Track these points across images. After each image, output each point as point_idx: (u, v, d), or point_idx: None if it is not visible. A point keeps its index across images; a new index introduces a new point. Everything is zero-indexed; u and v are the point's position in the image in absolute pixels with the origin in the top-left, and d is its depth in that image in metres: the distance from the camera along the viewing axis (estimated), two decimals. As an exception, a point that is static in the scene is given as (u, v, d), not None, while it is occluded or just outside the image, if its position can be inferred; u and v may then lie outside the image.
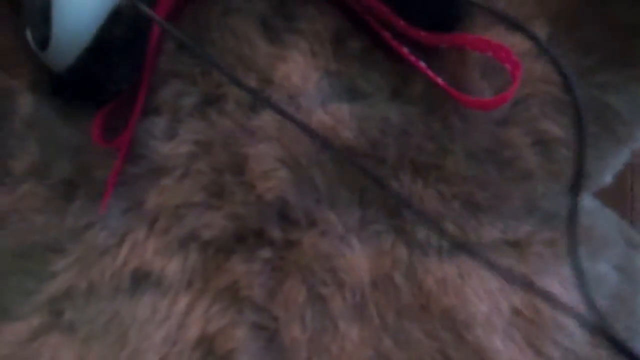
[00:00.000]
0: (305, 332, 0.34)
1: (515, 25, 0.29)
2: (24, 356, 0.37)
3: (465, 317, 0.35)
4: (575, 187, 0.37)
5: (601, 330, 0.35)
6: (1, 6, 0.38)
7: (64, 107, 0.38)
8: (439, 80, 0.36)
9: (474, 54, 0.36)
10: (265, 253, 0.35)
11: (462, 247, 0.36)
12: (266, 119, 0.36)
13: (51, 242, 0.37)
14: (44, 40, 0.34)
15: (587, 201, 0.41)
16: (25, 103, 0.38)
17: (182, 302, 0.35)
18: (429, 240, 0.36)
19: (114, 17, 0.34)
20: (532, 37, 0.28)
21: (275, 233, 0.35)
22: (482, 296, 0.36)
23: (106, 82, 0.35)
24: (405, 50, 0.36)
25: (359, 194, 0.36)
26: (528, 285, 0.36)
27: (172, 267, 0.35)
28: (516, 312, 0.36)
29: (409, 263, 0.36)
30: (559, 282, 0.37)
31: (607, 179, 0.41)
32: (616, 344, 0.34)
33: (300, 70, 0.36)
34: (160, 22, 0.34)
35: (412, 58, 0.36)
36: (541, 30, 0.37)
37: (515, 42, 0.37)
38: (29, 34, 0.36)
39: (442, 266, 0.36)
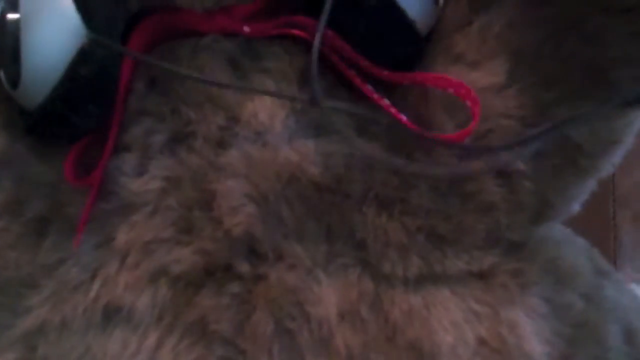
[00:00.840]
0: (272, 365, 0.35)
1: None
2: (-2, 392, 0.37)
3: (430, 348, 0.36)
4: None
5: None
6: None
7: (38, 145, 0.38)
8: (402, 117, 0.37)
9: (436, 91, 0.38)
10: (234, 287, 0.36)
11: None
12: (234, 156, 0.37)
13: (25, 277, 0.38)
14: (14, 79, 0.35)
15: (555, 230, 0.42)
16: (0, 141, 0.38)
17: (152, 336, 0.35)
18: (394, 272, 0.37)
19: (80, 57, 0.34)
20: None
21: (244, 267, 0.36)
22: (447, 327, 0.37)
23: (75, 120, 0.36)
24: (368, 88, 0.37)
25: (325, 228, 0.37)
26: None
27: (143, 302, 0.36)
28: (482, 342, 0.37)
29: (375, 295, 0.36)
30: (524, 313, 0.38)
31: (574, 208, 0.42)
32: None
33: (267, 108, 0.37)
34: (132, 53, 0.34)
35: (375, 96, 0.37)
36: (501, 67, 0.38)
37: (477, 79, 0.38)
38: (1, 73, 0.37)
39: (408, 298, 0.37)
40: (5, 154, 0.38)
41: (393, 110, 0.37)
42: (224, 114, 0.37)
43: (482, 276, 0.38)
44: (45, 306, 0.37)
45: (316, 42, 0.34)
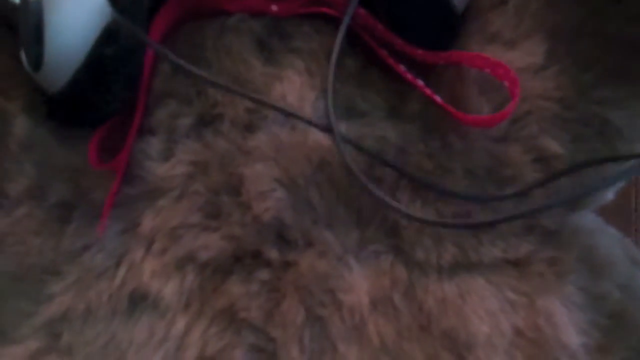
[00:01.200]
0: (303, 353, 0.34)
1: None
2: (22, 380, 0.36)
3: (466, 337, 0.35)
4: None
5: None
6: (-2, 28, 0.38)
7: (60, 129, 0.38)
8: (437, 98, 0.35)
9: (472, 71, 0.36)
10: (263, 274, 0.35)
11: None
12: (262, 139, 0.35)
13: (48, 264, 0.37)
14: (37, 61, 0.34)
15: (588, 219, 0.41)
16: (21, 125, 0.37)
17: (180, 323, 0.34)
18: (428, 260, 0.35)
19: (105, 37, 0.33)
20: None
21: (273, 254, 0.35)
22: (482, 316, 0.35)
23: (99, 103, 0.35)
24: (402, 68, 0.36)
25: (356, 214, 0.36)
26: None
27: (170, 289, 0.35)
28: (518, 332, 0.36)
29: (409, 283, 0.35)
30: (561, 302, 0.37)
31: (609, 197, 0.41)
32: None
33: (296, 90, 0.36)
34: (151, 43, 0.33)
35: (409, 76, 0.36)
36: (539, 46, 0.36)
37: (514, 59, 0.36)
38: (23, 55, 0.36)
39: (442, 286, 0.35)
40: (26, 138, 0.38)
41: (428, 91, 0.35)
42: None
43: (518, 264, 0.37)
44: (69, 293, 0.36)
45: (338, 39, 0.32)
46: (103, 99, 0.35)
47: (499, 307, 0.36)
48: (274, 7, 0.37)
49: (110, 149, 0.36)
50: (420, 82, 0.36)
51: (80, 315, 0.36)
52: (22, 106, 0.38)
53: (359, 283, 0.35)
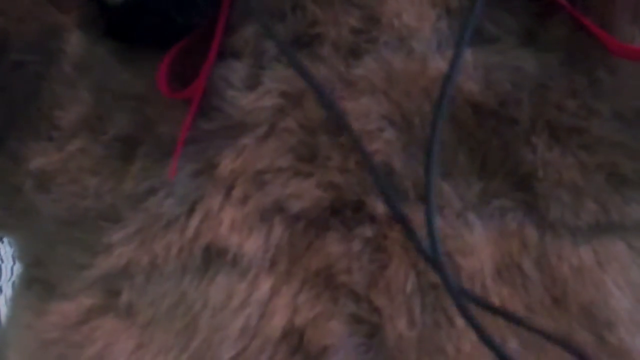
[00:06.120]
0: (413, 327, 0.28)
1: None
2: (73, 341, 0.32)
3: (607, 315, 0.29)
4: None
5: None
6: None
7: (122, 48, 0.32)
8: (587, 21, 0.29)
9: (625, -7, 0.30)
10: (366, 231, 0.29)
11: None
12: (370, 67, 0.29)
13: (106, 209, 0.32)
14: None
15: None
16: (76, 43, 0.32)
17: (264, 286, 0.29)
18: (563, 220, 0.29)
19: None
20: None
21: (378, 207, 0.29)
22: (623, 288, 0.30)
23: (175, 17, 0.29)
24: (544, -16, 0.29)
25: (480, 161, 0.30)
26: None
27: (252, 244, 0.29)
28: None
29: (541, 247, 0.29)
30: None
31: None
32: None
33: (414, 7, 0.29)
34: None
35: (553, -6, 0.29)
36: None
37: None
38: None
39: (578, 251, 0.29)
40: (82, 58, 0.32)
41: (574, 11, 0.29)
42: (359, 13, 0.29)
43: (663, 228, 0.31)
44: (130, 244, 0.31)
45: None
46: (180, 13, 0.29)
47: (640, 277, 0.30)
48: None
49: (182, 75, 0.30)
50: (565, 2, 0.29)
51: (143, 270, 0.31)
52: (78, 20, 0.32)
53: (481, 245, 0.29)
